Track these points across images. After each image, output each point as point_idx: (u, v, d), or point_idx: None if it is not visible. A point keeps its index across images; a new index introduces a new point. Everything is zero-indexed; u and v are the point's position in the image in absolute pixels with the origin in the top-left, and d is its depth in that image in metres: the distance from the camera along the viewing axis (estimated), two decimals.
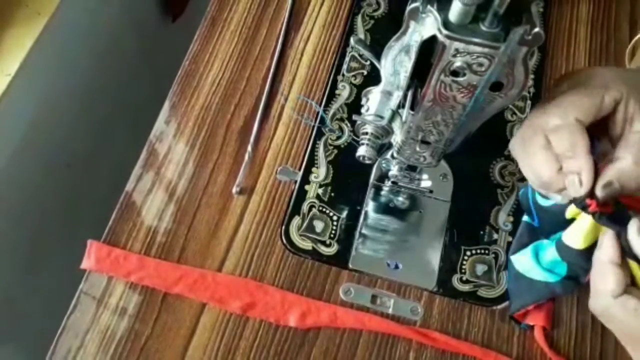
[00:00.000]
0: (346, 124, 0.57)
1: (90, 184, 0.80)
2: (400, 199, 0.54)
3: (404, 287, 0.50)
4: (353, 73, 0.59)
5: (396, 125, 0.42)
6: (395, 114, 0.39)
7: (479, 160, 0.55)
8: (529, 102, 0.58)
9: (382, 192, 0.55)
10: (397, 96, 0.39)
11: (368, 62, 0.60)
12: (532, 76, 0.60)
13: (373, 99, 0.40)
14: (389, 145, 0.50)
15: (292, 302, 0.49)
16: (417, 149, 0.43)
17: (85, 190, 0.80)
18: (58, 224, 0.74)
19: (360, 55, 0.60)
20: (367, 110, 0.40)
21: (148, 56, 0.92)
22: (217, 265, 0.51)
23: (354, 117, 0.39)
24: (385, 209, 0.54)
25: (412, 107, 0.38)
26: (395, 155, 0.47)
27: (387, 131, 0.40)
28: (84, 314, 0.48)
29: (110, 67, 0.80)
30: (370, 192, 0.54)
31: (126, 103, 0.86)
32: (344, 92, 0.58)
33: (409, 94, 0.38)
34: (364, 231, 0.52)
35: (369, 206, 0.54)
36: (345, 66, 0.60)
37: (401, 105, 0.39)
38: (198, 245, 0.52)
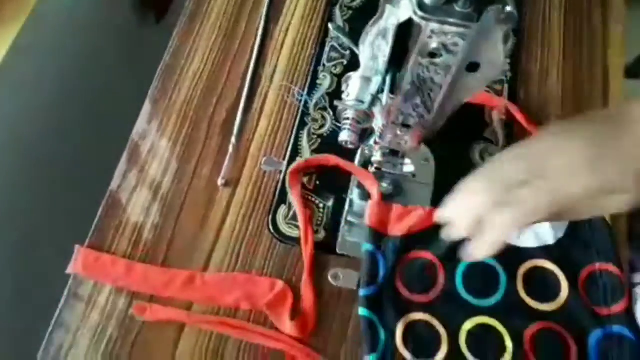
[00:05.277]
0: (328, 113, 0.57)
1: (74, 183, 0.80)
2: (384, 184, 0.55)
3: None
4: (333, 63, 0.60)
5: (377, 110, 0.43)
6: (375, 98, 0.40)
7: (459, 144, 0.56)
8: (506, 85, 0.60)
9: None
10: (376, 81, 0.40)
11: (348, 52, 0.61)
12: (508, 60, 0.61)
13: (353, 84, 0.41)
14: (372, 132, 0.51)
15: (282, 289, 0.49)
16: (398, 132, 0.44)
17: (69, 190, 0.79)
18: (42, 223, 0.74)
19: (340, 45, 0.61)
20: (348, 95, 0.41)
21: (131, 57, 0.91)
22: (205, 257, 0.51)
23: (336, 102, 0.40)
24: (369, 194, 0.55)
25: (391, 91, 0.39)
26: (377, 140, 0.48)
27: (368, 116, 0.41)
28: (74, 311, 0.48)
29: (91, 68, 0.79)
30: (354, 180, 0.55)
31: (109, 103, 0.85)
32: (325, 81, 0.59)
33: (388, 78, 0.39)
34: (350, 219, 0.53)
35: (354, 193, 0.54)
36: (325, 56, 0.60)
37: (381, 89, 0.40)
38: (186, 239, 0.52)
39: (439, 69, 0.35)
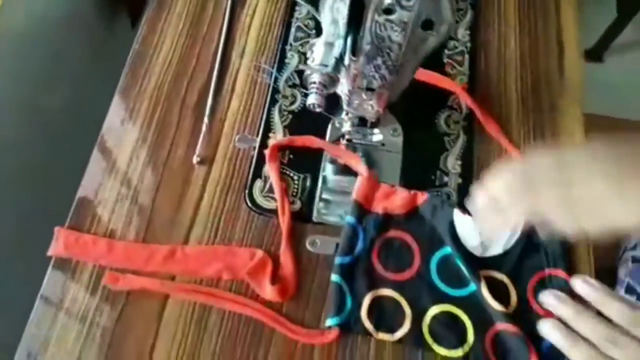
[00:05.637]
0: (298, 90, 0.59)
1: (50, 182, 0.79)
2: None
3: None
4: (300, 42, 0.62)
5: (342, 76, 0.45)
6: (338, 61, 0.42)
7: (424, 112, 0.59)
8: (466, 55, 0.62)
9: None
10: (338, 45, 0.42)
11: (313, 32, 0.63)
12: (467, 32, 0.64)
13: (317, 50, 0.43)
14: (341, 106, 0.53)
15: (262, 257, 0.51)
16: (364, 96, 0.46)
17: (46, 188, 0.79)
18: (19, 216, 0.73)
19: (306, 26, 0.63)
20: (313, 61, 0.43)
21: (101, 51, 0.91)
22: (184, 234, 0.52)
23: (301, 66, 0.42)
24: (343, 167, 0.56)
25: (353, 53, 0.41)
26: (345, 107, 0.50)
27: (333, 79, 0.43)
28: (57, 288, 0.49)
29: (62, 70, 0.79)
30: (326, 156, 0.57)
31: (81, 103, 0.85)
32: (293, 60, 0.61)
33: (349, 39, 0.40)
34: (324, 195, 0.54)
35: (327, 169, 0.56)
36: (291, 36, 0.62)
37: (343, 52, 0.42)
38: (164, 217, 0.53)
39: (395, 26, 0.37)
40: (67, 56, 0.81)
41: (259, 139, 0.57)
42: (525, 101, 0.60)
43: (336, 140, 0.57)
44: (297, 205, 0.54)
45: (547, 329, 0.46)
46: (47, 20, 0.74)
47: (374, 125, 0.56)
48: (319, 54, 0.42)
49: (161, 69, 0.60)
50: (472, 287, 0.49)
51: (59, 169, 0.81)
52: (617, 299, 0.45)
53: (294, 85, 0.59)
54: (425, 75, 0.58)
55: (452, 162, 0.57)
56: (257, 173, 0.55)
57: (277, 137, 0.57)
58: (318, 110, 0.43)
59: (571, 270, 0.50)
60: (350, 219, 0.52)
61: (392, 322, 0.48)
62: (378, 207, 0.53)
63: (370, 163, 0.57)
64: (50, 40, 0.75)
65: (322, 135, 0.57)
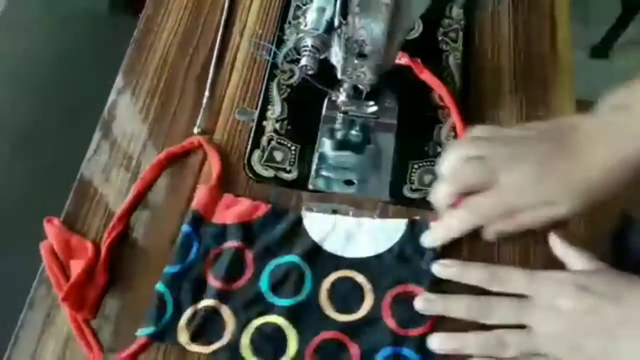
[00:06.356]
0: (296, 65, 0.61)
1: (55, 173, 0.81)
2: (354, 132, 0.59)
3: (360, 200, 0.55)
4: (298, 20, 0.64)
5: (335, 43, 0.47)
6: (330, 24, 0.44)
7: (418, 86, 0.60)
8: (460, 33, 0.64)
9: (335, 125, 0.59)
10: (329, 9, 0.44)
11: None
12: (461, 10, 0.65)
13: (310, 15, 0.45)
14: (338, 80, 0.55)
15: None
16: (356, 62, 0.48)
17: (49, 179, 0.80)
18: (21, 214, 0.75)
19: (304, 4, 0.65)
20: (305, 26, 0.45)
21: (111, 54, 0.94)
22: (185, 201, 0.54)
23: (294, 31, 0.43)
24: (340, 142, 0.58)
25: (343, 16, 0.43)
26: (340, 76, 0.51)
27: (325, 43, 0.45)
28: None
29: (68, 61, 0.82)
30: (323, 126, 0.59)
31: (88, 96, 0.88)
32: (292, 37, 0.63)
33: (338, 2, 0.42)
34: (323, 173, 0.56)
35: (325, 145, 0.57)
36: (290, 15, 0.64)
37: (334, 15, 0.44)
38: (166, 185, 0.55)
39: None
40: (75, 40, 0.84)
41: (257, 111, 0.59)
42: (518, 77, 0.62)
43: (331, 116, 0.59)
44: (294, 173, 0.56)
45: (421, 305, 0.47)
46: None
47: (369, 97, 0.58)
48: (312, 18, 0.44)
49: (165, 45, 0.62)
50: (304, 295, 0.48)
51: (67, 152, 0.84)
52: (473, 266, 0.48)
53: (291, 61, 0.61)
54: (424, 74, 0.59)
55: (446, 134, 0.58)
56: (256, 143, 0.57)
57: (275, 109, 0.59)
58: (310, 72, 0.45)
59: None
60: (186, 227, 0.50)
61: (210, 333, 0.46)
62: (217, 218, 0.52)
63: (366, 133, 0.59)
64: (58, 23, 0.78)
65: (318, 108, 0.59)
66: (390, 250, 0.50)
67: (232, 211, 0.52)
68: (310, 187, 0.55)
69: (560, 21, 0.65)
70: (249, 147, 0.57)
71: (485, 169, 0.48)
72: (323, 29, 0.43)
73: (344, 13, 0.42)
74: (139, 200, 0.53)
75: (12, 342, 0.48)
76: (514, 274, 0.47)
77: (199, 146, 0.56)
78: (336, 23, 0.43)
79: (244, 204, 0.52)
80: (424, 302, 0.47)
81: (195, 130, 0.57)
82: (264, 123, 0.58)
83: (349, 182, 0.56)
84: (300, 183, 0.55)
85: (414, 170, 0.56)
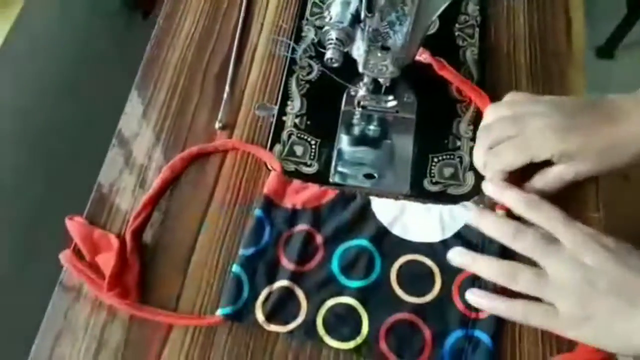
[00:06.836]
0: (315, 61, 0.62)
1: (73, 177, 0.82)
2: (372, 127, 0.59)
3: (381, 194, 0.55)
4: (316, 17, 0.65)
5: (358, 37, 0.48)
6: (355, 18, 0.44)
7: (437, 81, 0.61)
8: (477, 29, 0.65)
9: (353, 120, 0.60)
10: (354, 3, 0.44)
11: None
12: (477, 7, 0.66)
13: (334, 8, 0.45)
14: (357, 73, 0.55)
15: None
16: (379, 54, 0.48)
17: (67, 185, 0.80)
18: (43, 215, 0.75)
19: (321, 1, 0.65)
20: (330, 19, 0.45)
21: (122, 54, 0.95)
22: (207, 194, 0.55)
23: (319, 22, 0.44)
24: (358, 137, 0.59)
25: (368, 9, 0.44)
26: (361, 69, 0.52)
27: (349, 36, 0.45)
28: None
29: (83, 63, 0.83)
30: (342, 120, 0.59)
31: (101, 99, 0.88)
32: (310, 34, 0.63)
33: None
34: (340, 169, 0.56)
35: (343, 141, 0.58)
36: (308, 12, 0.65)
37: (359, 8, 0.44)
38: (188, 179, 0.55)
39: None
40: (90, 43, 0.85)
41: (277, 107, 0.59)
42: (534, 72, 0.62)
43: (350, 112, 0.59)
44: (314, 167, 0.56)
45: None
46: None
47: (388, 91, 0.58)
48: (336, 11, 0.45)
49: (184, 43, 0.63)
50: (374, 276, 0.49)
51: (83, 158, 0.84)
52: (513, 189, 0.49)
53: (310, 57, 0.62)
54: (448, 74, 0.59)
55: (464, 127, 0.58)
56: (277, 138, 0.58)
57: (295, 104, 0.59)
58: (335, 65, 0.46)
59: None
60: (258, 212, 0.52)
61: (287, 313, 0.48)
62: (288, 203, 0.53)
63: (384, 128, 0.59)
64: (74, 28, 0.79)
65: (337, 102, 0.60)
66: (455, 235, 0.51)
67: (301, 196, 0.53)
68: (331, 180, 0.56)
69: (575, 17, 0.65)
70: (269, 141, 0.58)
71: (515, 123, 0.50)
72: (348, 22, 0.44)
73: (370, 6, 0.43)
74: (165, 189, 0.54)
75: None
76: (553, 211, 0.46)
77: (232, 148, 0.57)
78: (362, 16, 0.43)
79: (312, 189, 0.53)
80: (456, 255, 0.48)
81: (217, 125, 0.58)
82: (284, 118, 0.59)
83: (369, 176, 0.56)
84: (321, 177, 0.56)
85: (433, 163, 0.56)
